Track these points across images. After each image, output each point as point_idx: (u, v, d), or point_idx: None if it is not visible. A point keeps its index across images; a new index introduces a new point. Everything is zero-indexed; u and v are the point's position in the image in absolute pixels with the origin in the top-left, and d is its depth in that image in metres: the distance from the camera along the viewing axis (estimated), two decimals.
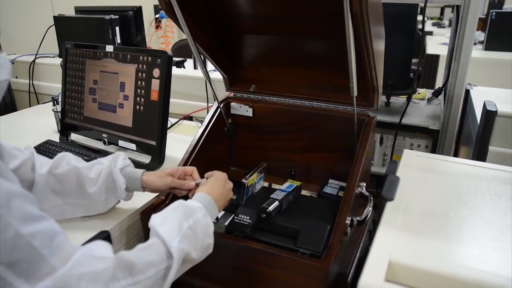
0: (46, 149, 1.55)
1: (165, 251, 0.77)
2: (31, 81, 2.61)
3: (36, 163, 1.04)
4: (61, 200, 1.05)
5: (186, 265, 0.83)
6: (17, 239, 0.60)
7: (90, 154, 1.48)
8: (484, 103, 1.33)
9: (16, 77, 2.72)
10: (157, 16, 4.59)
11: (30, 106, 2.52)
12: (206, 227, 0.86)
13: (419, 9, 1.71)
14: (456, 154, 1.70)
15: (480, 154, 1.33)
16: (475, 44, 1.56)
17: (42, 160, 1.06)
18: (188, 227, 0.82)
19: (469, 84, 1.69)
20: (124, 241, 1.13)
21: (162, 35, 4.74)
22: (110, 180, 1.05)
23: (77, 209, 1.08)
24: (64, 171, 1.04)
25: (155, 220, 0.81)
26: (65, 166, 1.05)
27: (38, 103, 2.49)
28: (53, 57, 2.70)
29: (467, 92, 1.66)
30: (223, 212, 1.18)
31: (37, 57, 2.59)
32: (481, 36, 3.37)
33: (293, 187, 1.16)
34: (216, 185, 1.00)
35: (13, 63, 2.66)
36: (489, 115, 1.30)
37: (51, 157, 1.08)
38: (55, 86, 2.49)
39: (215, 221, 1.13)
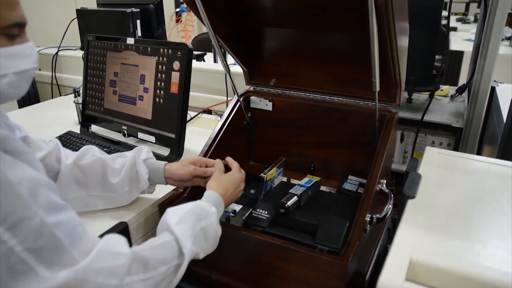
0: (67, 140, 1.57)
1: (178, 249, 0.79)
2: (53, 73, 2.65)
3: (62, 154, 1.06)
4: (84, 192, 1.07)
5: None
6: (41, 227, 0.62)
7: (109, 145, 1.49)
8: None
9: (40, 69, 2.76)
10: (177, 10, 4.60)
11: (52, 98, 2.56)
12: (216, 232, 0.89)
13: (443, 4, 1.67)
14: (479, 153, 1.66)
15: (505, 153, 1.29)
16: (502, 40, 1.51)
17: (67, 152, 1.08)
18: (201, 228, 0.85)
19: (494, 81, 1.64)
20: (142, 232, 1.14)
21: (182, 29, 4.74)
22: (133, 171, 1.06)
23: (100, 201, 1.09)
24: (89, 162, 1.06)
25: (171, 218, 0.83)
26: (90, 157, 1.07)
27: (60, 95, 2.53)
28: (75, 49, 2.74)
29: (493, 89, 1.62)
30: (241, 206, 1.18)
31: (60, 49, 2.63)
32: (508, 32, 3.28)
33: (312, 183, 1.15)
34: (230, 185, 1.02)
35: None
36: None
37: (72, 148, 1.10)
38: (76, 78, 2.53)
39: (233, 214, 1.13)
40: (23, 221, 0.61)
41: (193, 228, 0.83)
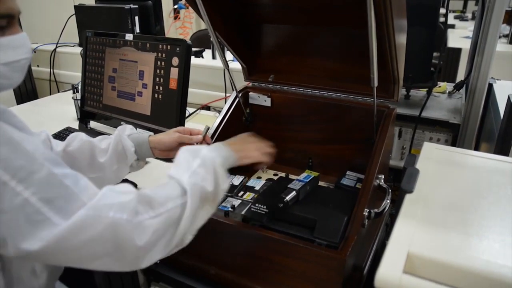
0: (65, 136, 1.56)
1: (179, 188, 0.80)
2: (51, 70, 2.65)
3: (52, 144, 1.08)
4: None
5: (206, 205, 0.84)
6: (50, 177, 0.67)
7: None
8: (509, 97, 1.29)
9: (38, 66, 2.76)
10: (175, 6, 4.59)
11: (50, 94, 2.56)
12: (213, 160, 0.87)
13: (441, 1, 1.68)
14: (476, 149, 1.66)
15: (502, 149, 1.30)
16: (499, 37, 1.52)
17: (57, 142, 1.10)
18: (197, 165, 0.84)
19: (492, 78, 1.65)
20: None
21: (180, 25, 4.74)
22: (119, 147, 1.08)
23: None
24: (77, 147, 1.08)
25: (168, 169, 0.84)
26: (77, 142, 1.09)
27: (59, 91, 2.53)
28: (73, 46, 2.73)
29: (490, 86, 1.63)
30: (239, 201, 1.18)
31: (58, 46, 2.63)
32: (505, 29, 3.28)
33: (310, 178, 1.15)
34: (234, 139, 1.03)
35: (34, 52, 2.70)
36: None
37: None
38: (75, 74, 2.53)
39: (232, 209, 1.14)
40: (33, 173, 0.65)
41: (187, 166, 0.83)
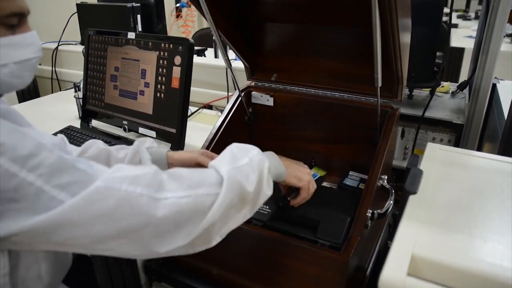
0: (67, 135, 1.57)
1: (217, 177, 0.74)
2: (53, 68, 2.64)
3: (68, 148, 1.06)
4: None
5: (244, 207, 0.78)
6: (62, 161, 0.64)
7: (110, 140, 1.49)
8: None
9: (40, 64, 2.75)
10: (177, 5, 4.58)
11: (52, 93, 2.56)
12: (261, 161, 0.80)
13: (445, 0, 1.67)
14: (479, 150, 1.66)
15: (506, 150, 1.29)
16: (504, 37, 1.51)
17: (72, 147, 1.08)
18: (244, 163, 0.78)
19: (495, 78, 1.64)
20: None
21: (183, 24, 4.73)
22: (136, 159, 1.05)
23: None
24: (94, 154, 1.05)
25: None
26: (94, 150, 1.06)
27: (60, 90, 2.53)
28: (75, 44, 2.73)
29: (494, 86, 1.62)
30: None
31: (60, 44, 2.62)
32: (509, 29, 3.27)
33: (316, 177, 1.14)
34: (284, 158, 0.94)
35: None
36: None
37: (72, 143, 1.10)
38: (77, 73, 2.52)
39: None
40: (44, 160, 0.62)
41: (231, 159, 0.78)
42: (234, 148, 0.83)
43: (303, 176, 0.96)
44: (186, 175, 0.72)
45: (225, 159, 0.79)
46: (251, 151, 0.82)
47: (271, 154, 0.89)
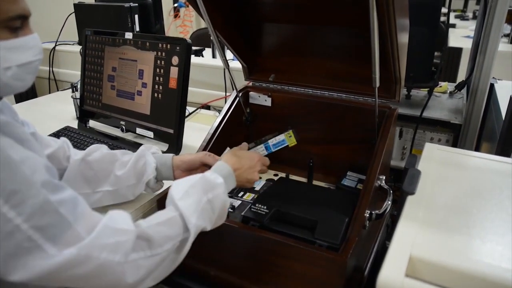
0: (64, 135, 1.56)
1: (183, 225, 0.79)
2: (51, 68, 2.63)
3: (71, 152, 1.06)
4: (89, 189, 1.05)
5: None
6: (45, 205, 0.64)
7: (108, 141, 1.49)
8: (511, 97, 1.28)
9: None
10: (175, 5, 4.57)
11: (49, 93, 2.55)
12: (224, 203, 0.88)
13: (443, 0, 1.67)
14: (477, 150, 1.66)
15: (504, 150, 1.29)
16: (501, 37, 1.51)
17: (76, 151, 1.08)
18: (207, 201, 0.84)
19: (493, 78, 1.64)
20: None
21: (180, 24, 4.72)
22: (141, 163, 1.05)
23: (105, 197, 1.06)
24: (97, 158, 1.05)
25: (176, 193, 0.83)
26: (98, 154, 1.06)
27: (58, 90, 2.52)
28: (72, 44, 2.72)
29: (491, 86, 1.62)
30: (239, 202, 1.17)
31: (57, 44, 2.61)
32: (507, 29, 3.27)
33: (282, 146, 1.18)
34: (245, 161, 1.01)
35: None
36: None
37: None
38: (74, 73, 2.52)
39: (231, 210, 1.13)
40: (28, 199, 0.62)
41: (198, 202, 0.83)
42: (201, 180, 0.87)
43: (251, 176, 1.02)
44: (153, 233, 0.75)
45: (192, 204, 0.82)
46: (217, 189, 0.87)
47: (229, 176, 0.94)
